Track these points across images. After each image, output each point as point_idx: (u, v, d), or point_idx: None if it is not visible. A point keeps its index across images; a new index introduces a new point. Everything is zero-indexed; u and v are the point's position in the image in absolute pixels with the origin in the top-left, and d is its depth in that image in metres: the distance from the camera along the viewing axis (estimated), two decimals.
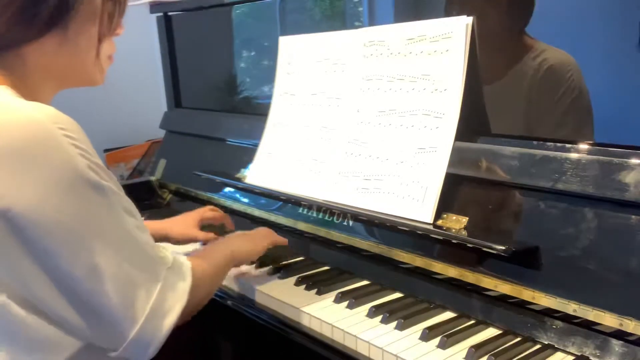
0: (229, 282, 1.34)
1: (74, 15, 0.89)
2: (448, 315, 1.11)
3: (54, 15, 0.88)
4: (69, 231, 0.81)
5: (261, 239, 1.28)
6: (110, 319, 0.84)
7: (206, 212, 1.51)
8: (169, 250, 0.97)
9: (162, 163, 2.03)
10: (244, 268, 1.35)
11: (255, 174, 1.57)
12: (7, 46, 0.89)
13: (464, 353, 0.97)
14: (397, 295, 1.20)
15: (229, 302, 1.31)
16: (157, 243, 0.95)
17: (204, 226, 1.50)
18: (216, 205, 1.74)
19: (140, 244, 0.88)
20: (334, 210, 1.36)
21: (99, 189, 0.84)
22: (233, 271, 1.36)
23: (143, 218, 1.79)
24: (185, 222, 1.46)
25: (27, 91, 0.91)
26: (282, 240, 1.35)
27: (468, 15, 1.16)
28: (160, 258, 0.91)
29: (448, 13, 1.22)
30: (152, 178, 2.03)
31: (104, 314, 0.84)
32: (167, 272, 0.90)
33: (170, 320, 0.89)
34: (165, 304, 0.88)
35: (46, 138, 0.80)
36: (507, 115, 1.17)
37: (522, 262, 1.03)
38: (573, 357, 0.95)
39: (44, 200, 0.79)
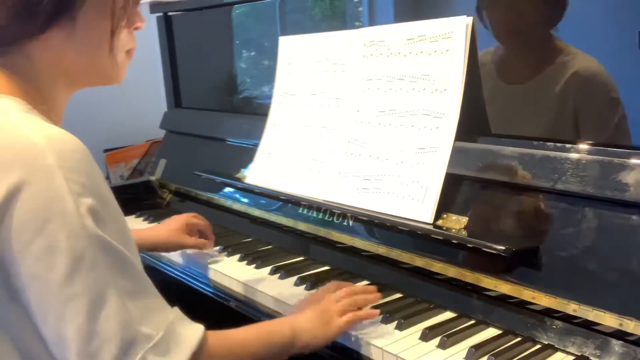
0: (228, 283, 1.34)
1: (82, 7, 0.82)
2: (448, 315, 1.11)
3: (58, 7, 0.81)
4: (41, 289, 0.73)
5: (333, 315, 1.04)
6: None
7: (190, 217, 1.47)
8: (169, 317, 0.79)
9: (162, 163, 2.03)
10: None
11: (255, 174, 1.57)
12: (10, 41, 0.82)
13: (464, 353, 0.97)
14: (397, 295, 1.20)
15: (231, 304, 1.32)
16: (163, 306, 0.80)
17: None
18: (216, 205, 1.74)
19: (119, 318, 0.74)
20: (334, 211, 1.36)
21: (84, 237, 0.73)
22: (234, 273, 1.36)
23: (142, 219, 1.82)
24: (170, 228, 1.43)
25: (38, 94, 0.85)
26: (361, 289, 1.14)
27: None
28: (142, 336, 0.75)
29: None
30: (152, 178, 2.03)
31: None
32: (146, 353, 0.75)
33: None
34: None
35: (34, 168, 0.72)
36: (534, 117, 1.15)
37: (522, 262, 1.03)
38: (573, 357, 0.95)
39: (24, 249, 0.72)
